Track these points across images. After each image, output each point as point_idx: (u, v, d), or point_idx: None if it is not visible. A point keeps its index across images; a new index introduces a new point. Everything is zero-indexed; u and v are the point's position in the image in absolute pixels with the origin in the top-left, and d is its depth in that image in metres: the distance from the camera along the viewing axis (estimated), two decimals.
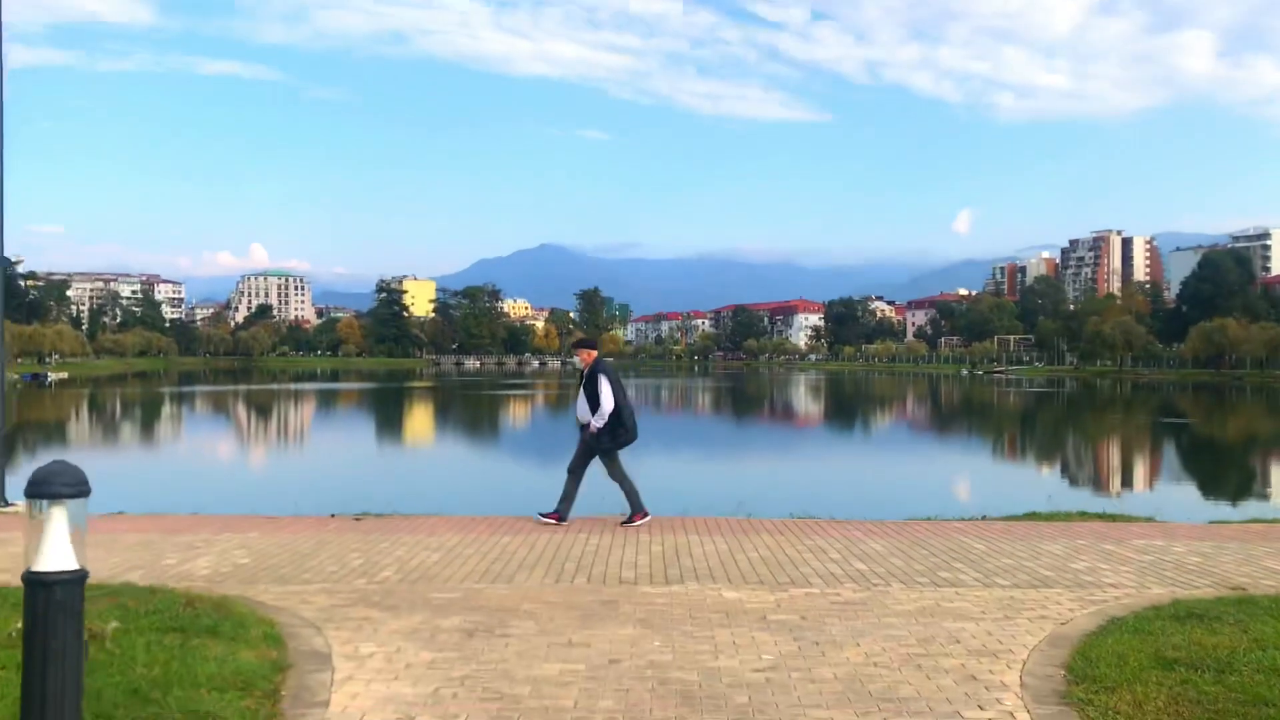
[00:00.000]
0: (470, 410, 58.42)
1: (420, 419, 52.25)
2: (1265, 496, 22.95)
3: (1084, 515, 12.49)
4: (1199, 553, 9.50)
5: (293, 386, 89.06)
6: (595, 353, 11.64)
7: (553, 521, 11.06)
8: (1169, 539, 10.35)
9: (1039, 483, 24.67)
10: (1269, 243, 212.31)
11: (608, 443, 11.16)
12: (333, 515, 11.70)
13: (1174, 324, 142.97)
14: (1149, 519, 12.27)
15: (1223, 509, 18.86)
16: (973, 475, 26.72)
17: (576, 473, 11.31)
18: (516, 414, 56.26)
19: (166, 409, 59.23)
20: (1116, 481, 26.09)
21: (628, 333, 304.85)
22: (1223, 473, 28.09)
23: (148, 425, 46.84)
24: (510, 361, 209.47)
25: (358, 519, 11.47)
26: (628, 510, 11.07)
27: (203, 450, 33.73)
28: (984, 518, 12.40)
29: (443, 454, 32.16)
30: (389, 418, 52.33)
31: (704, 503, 14.16)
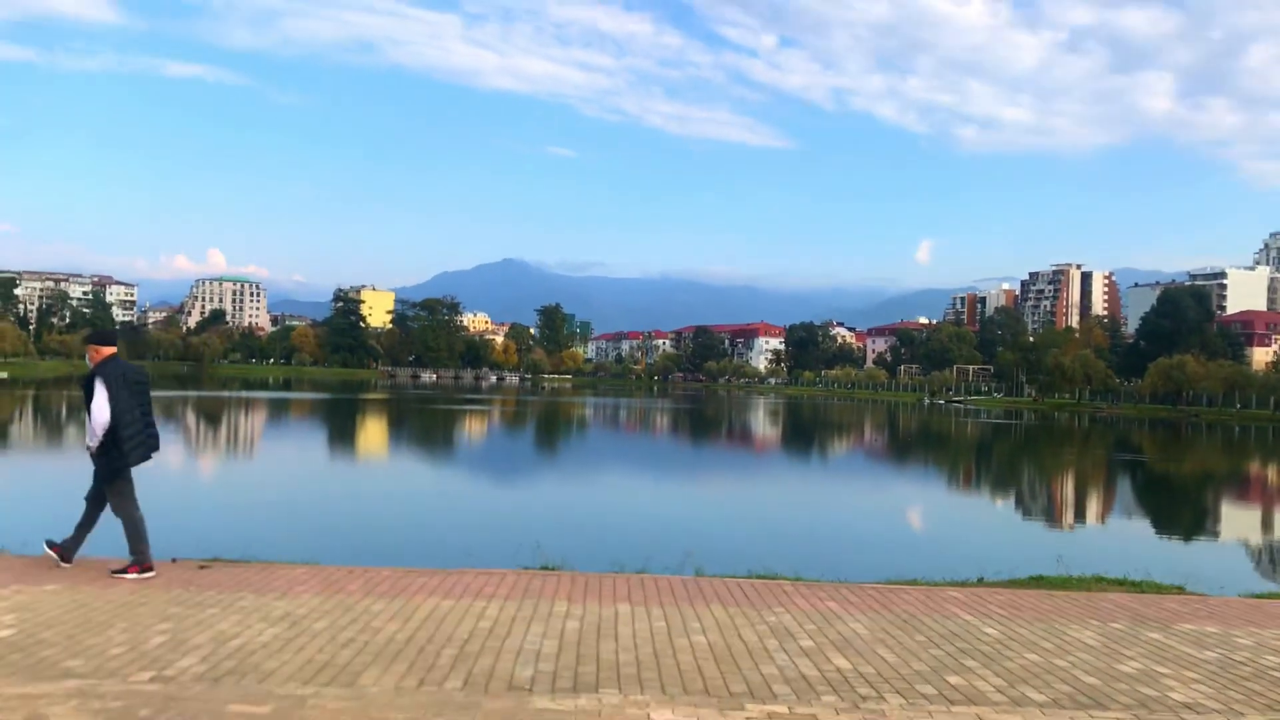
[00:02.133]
0: (413, 427, 55.66)
1: (354, 435, 49.10)
2: None
3: (1101, 582, 10.31)
4: (1274, 649, 7.39)
5: (229, 394, 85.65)
6: (110, 350, 8.90)
7: (55, 555, 8.88)
8: (1223, 625, 8.21)
9: (1031, 531, 22.52)
10: (1225, 282, 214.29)
11: (103, 467, 8.73)
12: (174, 560, 9.30)
13: (1132, 359, 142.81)
14: (1180, 589, 10.16)
15: (1247, 571, 16.80)
16: (954, 519, 24.39)
17: (94, 501, 8.93)
18: (463, 432, 53.63)
19: (65, 412, 55.90)
20: (1117, 530, 23.85)
21: (589, 350, 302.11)
22: (1228, 524, 26.17)
23: (37, 428, 43.74)
24: (468, 375, 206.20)
25: (203, 566, 9.09)
26: (129, 557, 8.70)
27: (66, 464, 29.93)
28: (981, 580, 10.26)
29: (362, 480, 28.44)
30: (321, 433, 49.29)
31: (644, 551, 11.84)
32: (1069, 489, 34.67)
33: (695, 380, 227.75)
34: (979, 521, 24.13)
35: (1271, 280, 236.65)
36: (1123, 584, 10.23)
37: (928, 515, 24.86)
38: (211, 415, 58.50)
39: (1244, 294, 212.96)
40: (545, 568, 9.77)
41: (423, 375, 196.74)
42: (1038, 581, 10.22)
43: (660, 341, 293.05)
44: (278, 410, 65.86)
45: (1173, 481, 38.13)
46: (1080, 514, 27.03)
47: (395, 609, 7.58)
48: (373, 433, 50.44)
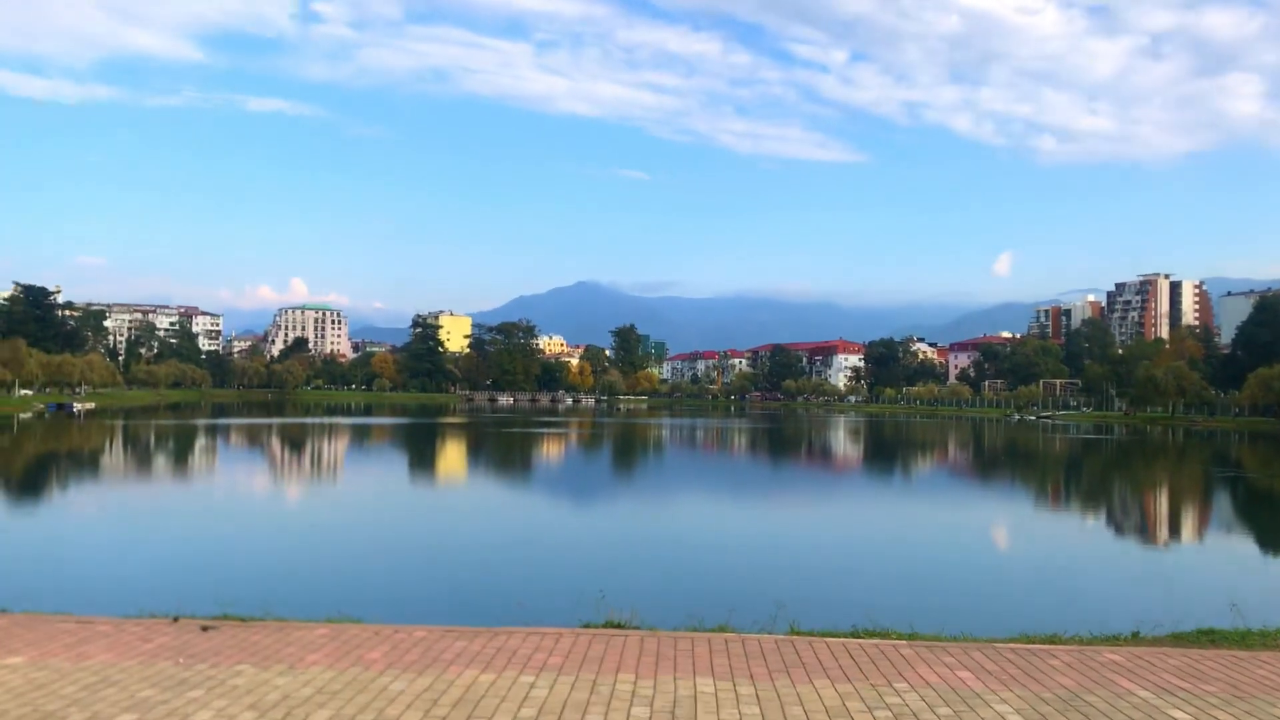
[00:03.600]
0: (483, 453, 54.65)
1: (422, 463, 48.03)
2: None
3: None
4: None
5: (311, 420, 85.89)
6: None
7: None
8: None
9: (1170, 566, 20.38)
10: None
11: None
12: (174, 619, 7.96)
13: (1229, 370, 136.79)
14: None
15: None
16: (1076, 553, 22.09)
17: None
18: (535, 458, 52.43)
19: (155, 440, 55.96)
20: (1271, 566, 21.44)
21: (664, 371, 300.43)
22: None
23: (124, 458, 43.51)
24: (544, 398, 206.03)
25: (206, 627, 7.72)
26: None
27: (127, 499, 28.74)
28: (1138, 636, 8.46)
29: (421, 511, 26.43)
30: (391, 461, 48.34)
31: (727, 598, 10.23)
32: (1201, 514, 32.11)
33: (773, 399, 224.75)
34: (1105, 554, 21.95)
35: None
36: None
37: (1045, 548, 22.72)
38: (293, 442, 58.32)
39: None
40: (609, 624, 8.22)
41: (500, 399, 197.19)
42: (1210, 637, 8.37)
43: (736, 361, 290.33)
44: (353, 436, 65.49)
45: None
46: (1223, 545, 24.63)
47: (420, 688, 6.10)
48: (442, 460, 49.52)
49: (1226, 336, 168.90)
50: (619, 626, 8.13)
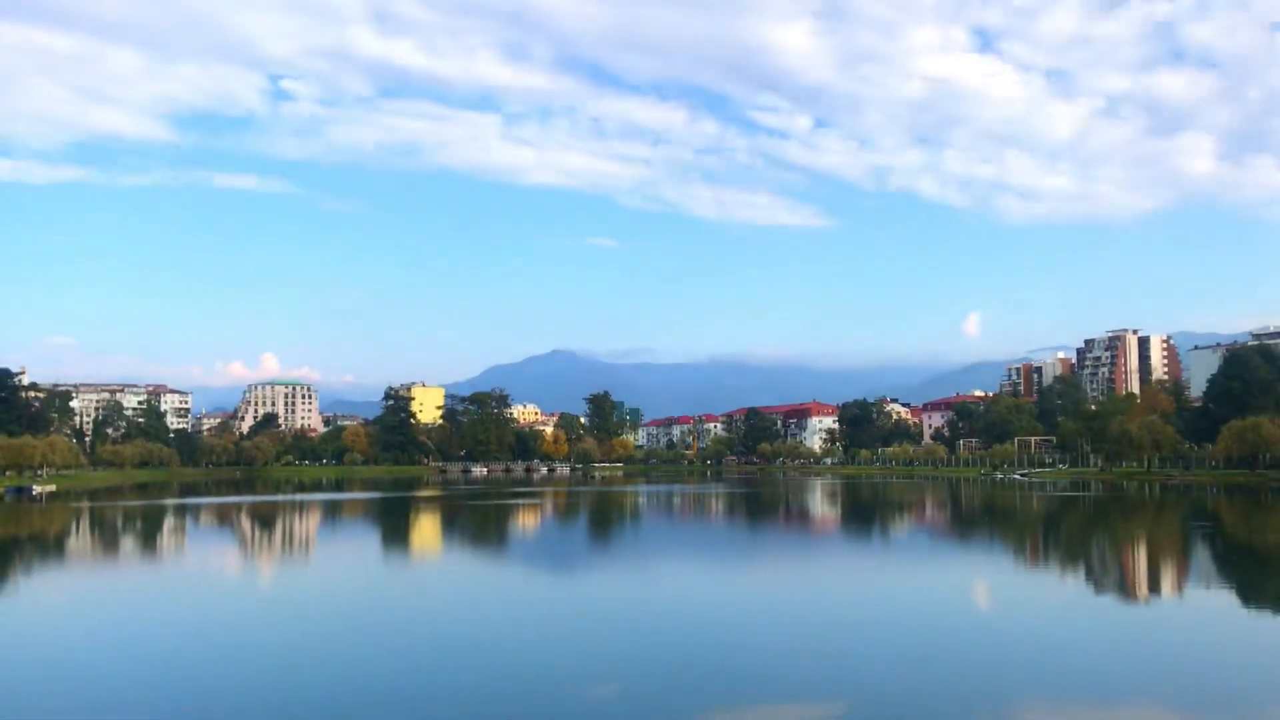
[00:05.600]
0: (448, 529, 53.89)
1: (384, 546, 46.71)
2: None
3: None
4: None
5: (280, 498, 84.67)
6: None
7: None
8: None
9: (1153, 628, 20.04)
10: None
11: None
12: None
13: (1201, 423, 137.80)
14: None
15: None
16: (1064, 615, 21.96)
17: None
18: (502, 536, 51.68)
19: (108, 524, 54.75)
20: None
21: (639, 437, 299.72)
22: None
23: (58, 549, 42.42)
24: (518, 468, 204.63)
25: None
26: None
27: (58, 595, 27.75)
28: None
29: (366, 615, 22.29)
30: (347, 546, 47.39)
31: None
32: (1183, 570, 31.91)
33: (749, 463, 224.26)
34: (1103, 617, 21.63)
35: None
36: None
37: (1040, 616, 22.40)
38: (258, 521, 57.28)
39: None
40: None
41: (473, 470, 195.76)
42: None
43: (711, 425, 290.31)
44: (311, 515, 64.50)
45: None
46: (1208, 604, 24.41)
47: None
48: (412, 539, 48.73)
49: (1196, 390, 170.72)
50: None
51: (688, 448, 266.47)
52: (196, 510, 67.25)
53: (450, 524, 54.10)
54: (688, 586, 26.65)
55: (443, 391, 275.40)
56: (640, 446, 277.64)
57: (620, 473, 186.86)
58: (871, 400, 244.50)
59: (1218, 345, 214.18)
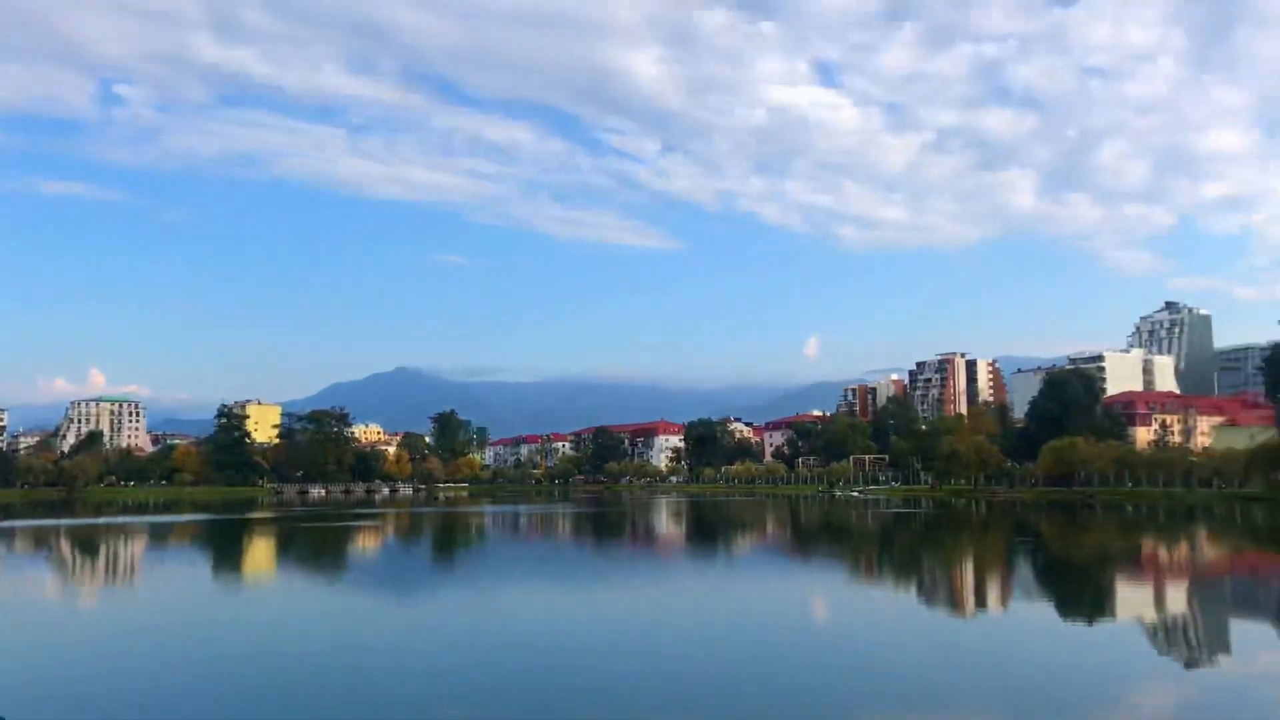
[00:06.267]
0: (289, 554, 52.03)
1: (223, 568, 45.33)
2: None
3: None
4: None
5: (97, 521, 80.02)
6: None
7: None
8: None
9: (980, 641, 20.72)
10: (1103, 365, 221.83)
11: None
12: None
13: (1023, 443, 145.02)
14: None
15: None
16: (887, 627, 22.53)
17: None
18: (347, 555, 50.16)
19: None
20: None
21: (486, 457, 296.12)
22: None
23: None
24: (359, 489, 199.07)
25: None
26: None
27: None
28: None
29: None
30: (178, 566, 45.41)
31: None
32: (1009, 584, 33.27)
33: (596, 482, 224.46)
34: (925, 629, 22.27)
35: (1145, 362, 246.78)
36: None
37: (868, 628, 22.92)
38: (75, 545, 53.90)
39: (1122, 375, 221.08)
40: None
41: (311, 491, 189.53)
42: None
43: (560, 444, 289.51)
44: (136, 540, 61.26)
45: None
46: (1030, 615, 25.46)
47: None
48: (233, 566, 46.75)
49: (1019, 411, 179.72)
50: None
51: (535, 467, 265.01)
52: (10, 534, 62.87)
53: (284, 548, 52.10)
54: (526, 609, 26.28)
55: (279, 410, 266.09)
56: (487, 466, 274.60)
57: (466, 493, 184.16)
58: (716, 420, 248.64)
59: (1038, 369, 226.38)
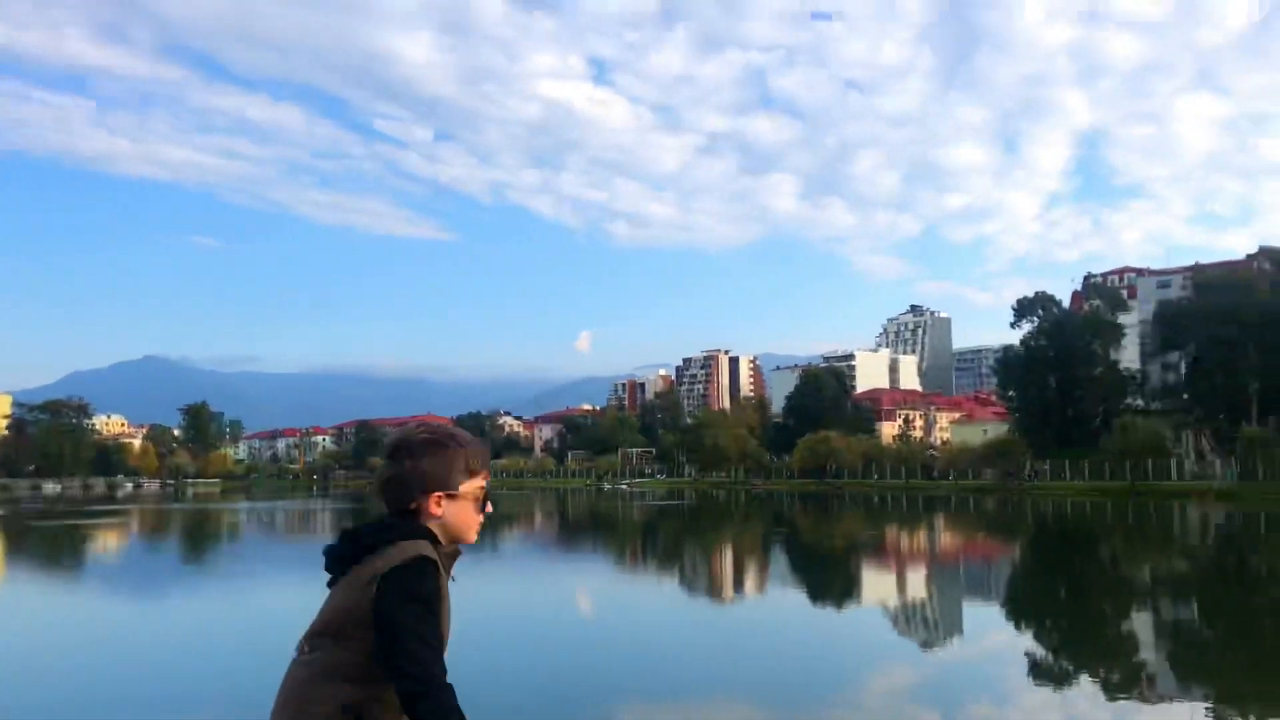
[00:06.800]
0: (15, 554, 47.52)
1: None
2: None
3: None
4: None
5: None
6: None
7: None
8: None
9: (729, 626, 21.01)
10: (854, 363, 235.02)
11: None
12: None
13: (781, 436, 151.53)
14: None
15: None
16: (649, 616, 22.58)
17: None
18: (83, 556, 46.27)
19: None
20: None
21: (240, 451, 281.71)
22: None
23: None
24: (99, 484, 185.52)
25: None
26: None
27: None
28: None
29: None
30: None
31: None
32: (763, 572, 34.16)
33: (360, 478, 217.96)
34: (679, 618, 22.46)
35: (892, 360, 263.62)
36: None
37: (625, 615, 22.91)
38: None
39: (870, 373, 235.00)
40: None
41: (45, 486, 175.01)
42: None
43: (320, 438, 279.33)
44: None
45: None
46: (780, 603, 26.14)
47: None
48: None
49: (778, 406, 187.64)
50: None
51: (294, 462, 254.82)
52: None
53: (11, 549, 47.47)
54: (271, 608, 24.83)
55: (10, 399, 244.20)
56: (241, 460, 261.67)
57: (218, 489, 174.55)
58: (485, 413, 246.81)
59: (795, 366, 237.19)
